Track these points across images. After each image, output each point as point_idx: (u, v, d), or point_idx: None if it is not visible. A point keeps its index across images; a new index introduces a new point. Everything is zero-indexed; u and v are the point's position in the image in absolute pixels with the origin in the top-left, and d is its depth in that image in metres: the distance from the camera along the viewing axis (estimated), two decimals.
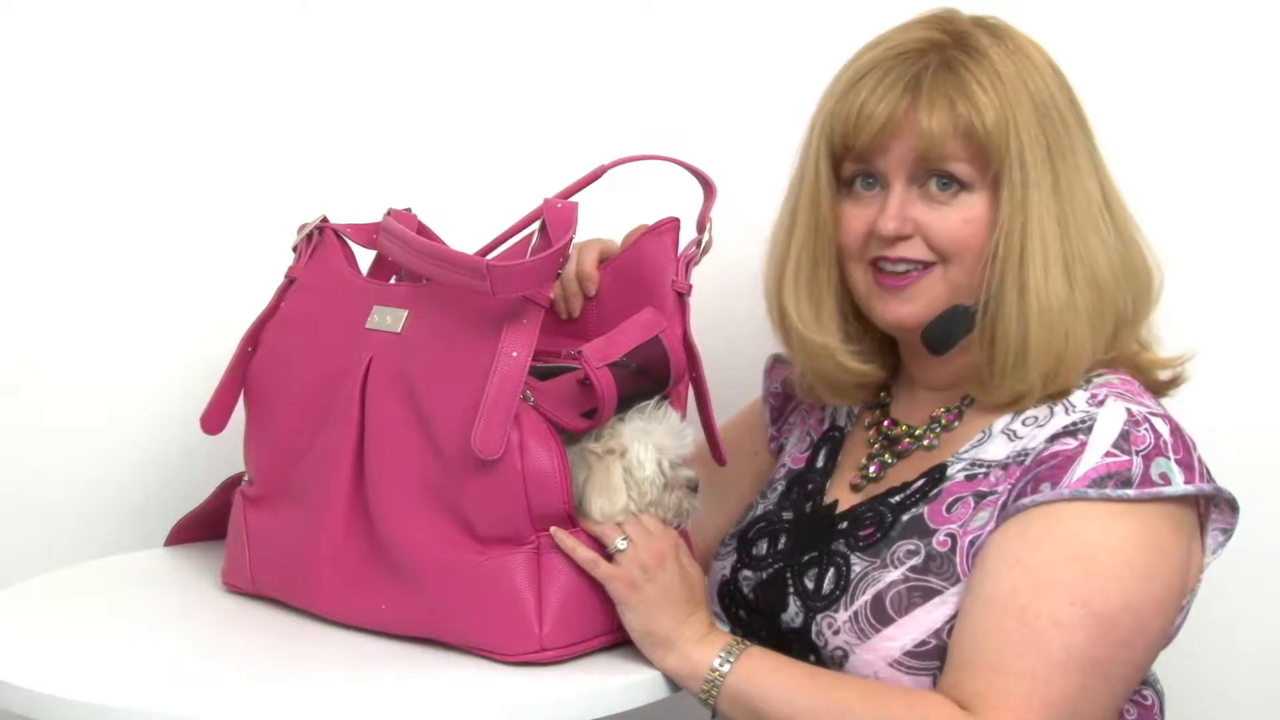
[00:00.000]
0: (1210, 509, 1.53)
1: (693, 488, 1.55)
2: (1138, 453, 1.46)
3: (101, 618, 1.63)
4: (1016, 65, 1.53)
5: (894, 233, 1.53)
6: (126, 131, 2.00)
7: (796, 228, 1.60)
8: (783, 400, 1.81)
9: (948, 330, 1.55)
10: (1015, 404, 1.54)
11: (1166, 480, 1.45)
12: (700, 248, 1.57)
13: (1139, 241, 1.57)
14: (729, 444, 1.64)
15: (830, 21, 2.01)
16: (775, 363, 1.83)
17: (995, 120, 1.50)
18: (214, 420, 1.69)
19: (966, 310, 1.54)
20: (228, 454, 1.72)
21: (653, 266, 1.58)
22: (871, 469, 1.63)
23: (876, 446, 1.65)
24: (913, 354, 1.64)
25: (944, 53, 1.53)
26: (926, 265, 1.54)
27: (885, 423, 1.65)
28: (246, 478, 1.69)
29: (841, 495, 1.64)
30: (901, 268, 1.55)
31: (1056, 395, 1.53)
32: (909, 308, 1.55)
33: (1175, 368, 1.61)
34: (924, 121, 1.51)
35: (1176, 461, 1.47)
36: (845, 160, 1.57)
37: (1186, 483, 1.46)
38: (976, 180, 1.52)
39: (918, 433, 1.62)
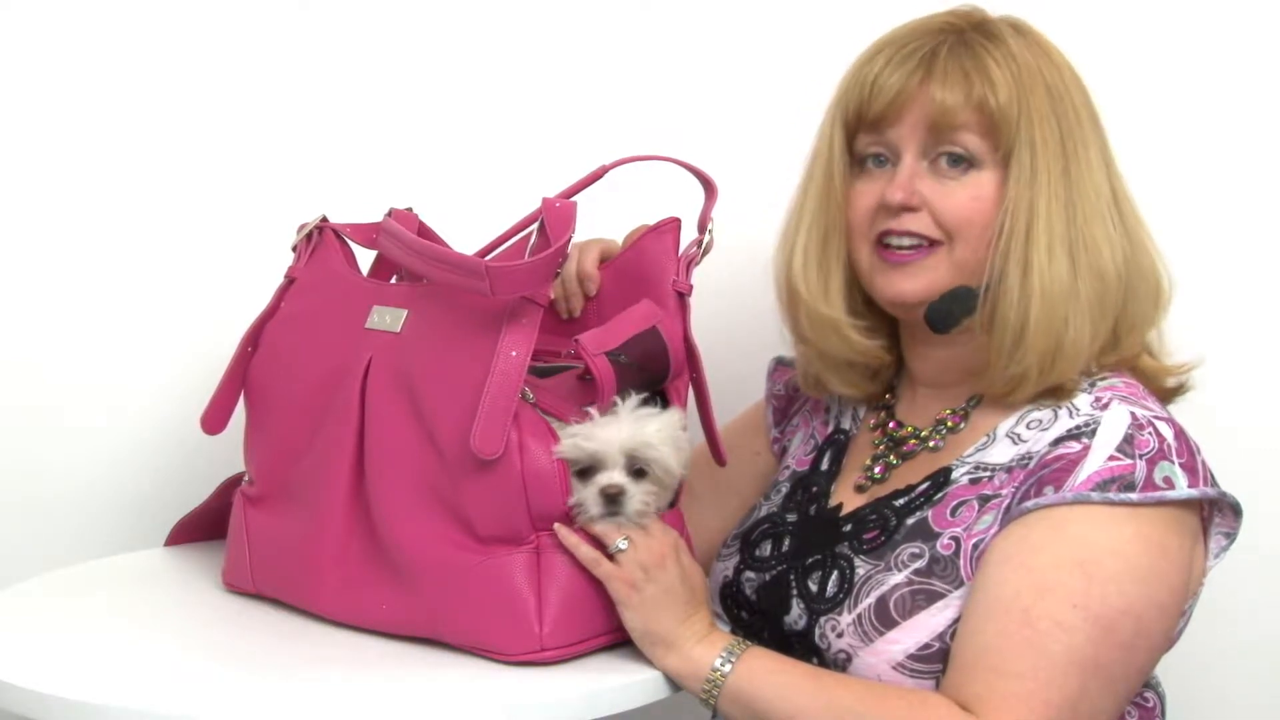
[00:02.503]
0: (1213, 513, 1.52)
1: (609, 495, 1.47)
2: (1141, 456, 1.46)
3: (101, 618, 1.63)
4: (1034, 55, 1.54)
5: (901, 202, 1.53)
6: (126, 131, 2.00)
7: (808, 200, 1.61)
8: (786, 402, 1.81)
9: (950, 309, 1.54)
10: (1012, 392, 1.54)
11: (1170, 484, 1.45)
12: (701, 248, 1.57)
13: (1148, 247, 1.57)
14: (730, 445, 1.64)
15: (831, 21, 2.01)
16: (778, 365, 1.83)
17: (1008, 97, 1.51)
18: (214, 420, 1.69)
19: (970, 290, 1.54)
20: (228, 454, 1.72)
21: (653, 266, 1.58)
22: (876, 470, 1.63)
23: (881, 448, 1.65)
24: (912, 346, 1.64)
25: (962, 34, 1.55)
26: (932, 243, 1.54)
27: (890, 424, 1.65)
28: (246, 478, 1.69)
29: (846, 497, 1.64)
30: (907, 242, 1.54)
31: (1056, 392, 1.52)
32: (911, 284, 1.55)
33: (1180, 375, 1.61)
34: (937, 94, 1.51)
35: (1180, 465, 1.46)
36: (859, 133, 1.57)
37: (1190, 486, 1.46)
38: (987, 157, 1.52)
39: (923, 434, 1.62)
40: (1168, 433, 1.48)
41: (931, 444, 1.61)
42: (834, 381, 1.66)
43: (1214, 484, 1.49)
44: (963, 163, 1.53)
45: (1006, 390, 1.54)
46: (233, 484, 1.75)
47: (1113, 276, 1.52)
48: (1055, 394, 1.53)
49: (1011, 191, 1.51)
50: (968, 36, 1.54)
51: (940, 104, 1.51)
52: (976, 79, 1.51)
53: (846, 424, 1.72)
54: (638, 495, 1.49)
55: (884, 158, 1.56)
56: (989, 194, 1.52)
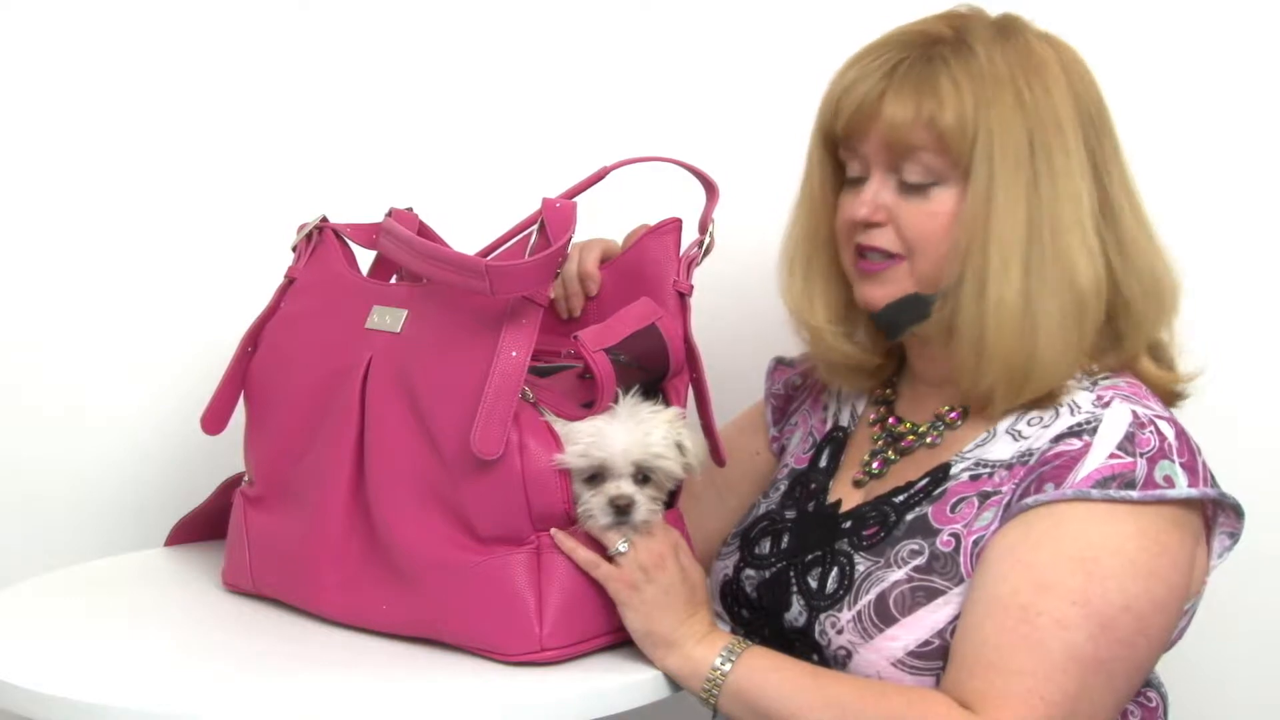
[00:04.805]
0: (1217, 514, 1.52)
1: (619, 507, 1.47)
2: (1142, 455, 1.46)
3: (101, 618, 1.63)
4: (1010, 65, 1.51)
5: (865, 218, 1.54)
6: (127, 131, 2.00)
7: (800, 213, 1.63)
8: (785, 401, 1.81)
9: (896, 316, 1.56)
10: (987, 406, 1.54)
11: (1170, 483, 1.45)
12: (702, 248, 1.57)
13: (1146, 247, 1.56)
14: (730, 445, 1.64)
15: (831, 21, 2.01)
16: (777, 364, 1.83)
17: (957, 114, 1.49)
18: (214, 420, 1.69)
19: (919, 298, 1.55)
20: (228, 454, 1.72)
21: (654, 266, 1.58)
22: (874, 465, 1.63)
23: (880, 443, 1.65)
24: (913, 346, 1.65)
25: (931, 47, 1.53)
26: (897, 257, 1.54)
27: (890, 420, 1.66)
28: (246, 478, 1.69)
29: (845, 494, 1.64)
30: (875, 256, 1.55)
31: (1044, 400, 1.52)
32: (880, 291, 1.56)
33: (1179, 386, 1.61)
34: (887, 110, 1.51)
35: (1181, 465, 1.46)
36: (840, 147, 1.58)
37: (1190, 486, 1.46)
38: (949, 173, 1.52)
39: (921, 430, 1.62)
40: (1169, 432, 1.48)
41: (929, 440, 1.61)
42: (839, 377, 1.68)
43: (1214, 484, 1.49)
44: (927, 179, 1.53)
45: (982, 404, 1.55)
46: (233, 484, 1.75)
47: (1089, 287, 1.51)
48: (1046, 401, 1.53)
49: (968, 208, 1.51)
50: (934, 50, 1.53)
51: (890, 120, 1.51)
52: (925, 97, 1.50)
53: (845, 421, 1.72)
54: (645, 505, 1.49)
55: (861, 174, 1.57)
56: (948, 210, 1.52)
